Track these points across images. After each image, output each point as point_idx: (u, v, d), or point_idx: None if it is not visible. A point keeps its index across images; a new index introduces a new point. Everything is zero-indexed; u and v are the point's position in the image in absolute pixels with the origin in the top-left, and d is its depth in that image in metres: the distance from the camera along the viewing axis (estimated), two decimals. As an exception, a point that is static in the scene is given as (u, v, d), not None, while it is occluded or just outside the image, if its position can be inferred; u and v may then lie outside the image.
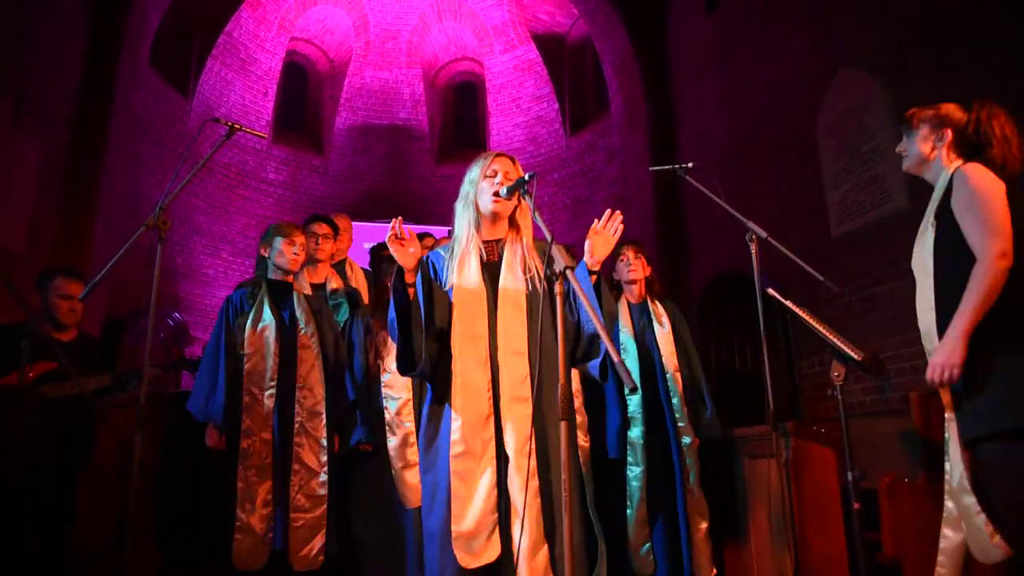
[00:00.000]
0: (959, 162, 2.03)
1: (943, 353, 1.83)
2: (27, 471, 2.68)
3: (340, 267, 3.76)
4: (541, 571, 1.77)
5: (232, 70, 8.58)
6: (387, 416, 3.02)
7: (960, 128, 2.05)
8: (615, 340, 3.20)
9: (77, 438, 2.90)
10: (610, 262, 3.36)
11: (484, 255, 2.06)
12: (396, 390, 3.04)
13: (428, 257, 2.11)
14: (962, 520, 1.97)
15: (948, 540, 2.04)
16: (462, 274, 2.01)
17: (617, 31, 7.70)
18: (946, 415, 2.01)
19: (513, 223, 2.12)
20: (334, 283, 3.49)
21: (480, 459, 1.86)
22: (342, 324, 3.32)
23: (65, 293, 3.06)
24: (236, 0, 8.39)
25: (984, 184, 1.89)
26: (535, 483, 1.84)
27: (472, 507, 1.82)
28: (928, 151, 2.09)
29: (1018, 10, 3.64)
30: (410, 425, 2.98)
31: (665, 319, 3.25)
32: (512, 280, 2.01)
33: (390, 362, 3.05)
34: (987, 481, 1.88)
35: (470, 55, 9.94)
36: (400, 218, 1.95)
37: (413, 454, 2.95)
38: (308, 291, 3.13)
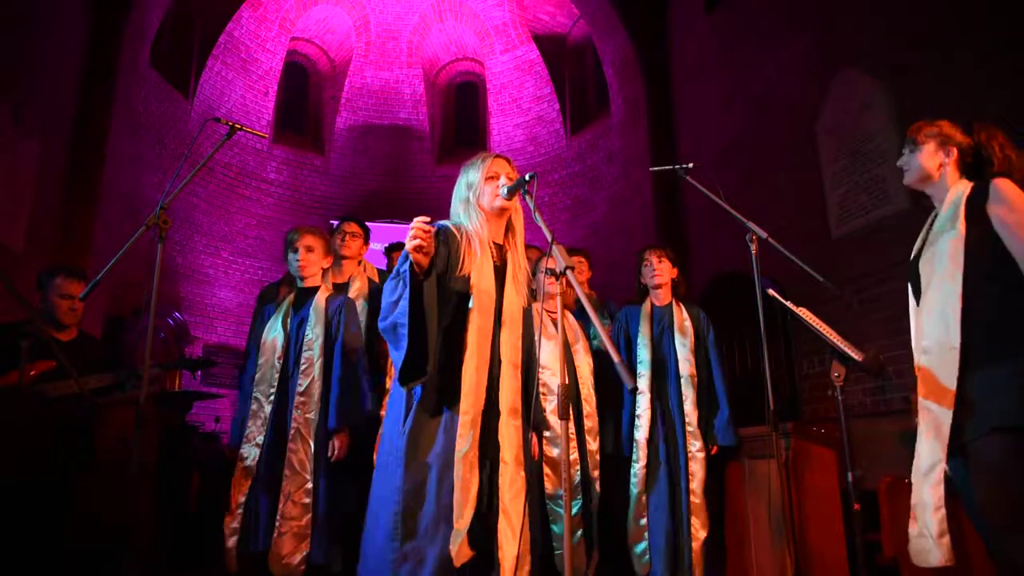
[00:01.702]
0: (964, 180, 2.08)
1: None
2: (27, 471, 2.68)
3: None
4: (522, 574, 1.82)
5: (233, 70, 8.58)
6: None
7: (963, 148, 2.11)
8: (633, 341, 3.26)
9: (77, 438, 2.90)
10: (635, 266, 3.41)
11: (494, 256, 2.07)
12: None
13: (439, 227, 2.00)
14: (914, 511, 1.96)
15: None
16: (480, 273, 1.99)
17: (617, 31, 7.70)
18: (920, 403, 2.00)
19: (509, 225, 2.13)
20: (359, 282, 3.48)
21: (477, 458, 1.87)
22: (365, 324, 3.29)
23: (66, 292, 3.06)
24: (237, 0, 8.40)
25: (1022, 198, 1.96)
26: (523, 496, 1.89)
27: (468, 506, 1.82)
28: (935, 167, 2.12)
29: (1019, 9, 3.64)
30: None
31: (688, 323, 3.25)
32: (514, 293, 2.05)
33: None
34: (984, 475, 1.86)
35: (470, 55, 9.95)
36: (425, 217, 1.78)
37: None
38: (329, 291, 3.07)
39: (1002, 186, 1.97)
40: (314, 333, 2.91)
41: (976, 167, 2.10)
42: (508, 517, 1.84)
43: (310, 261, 3.00)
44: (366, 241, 3.62)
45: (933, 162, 2.12)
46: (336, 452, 2.80)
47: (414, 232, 1.76)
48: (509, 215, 2.11)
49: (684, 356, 3.18)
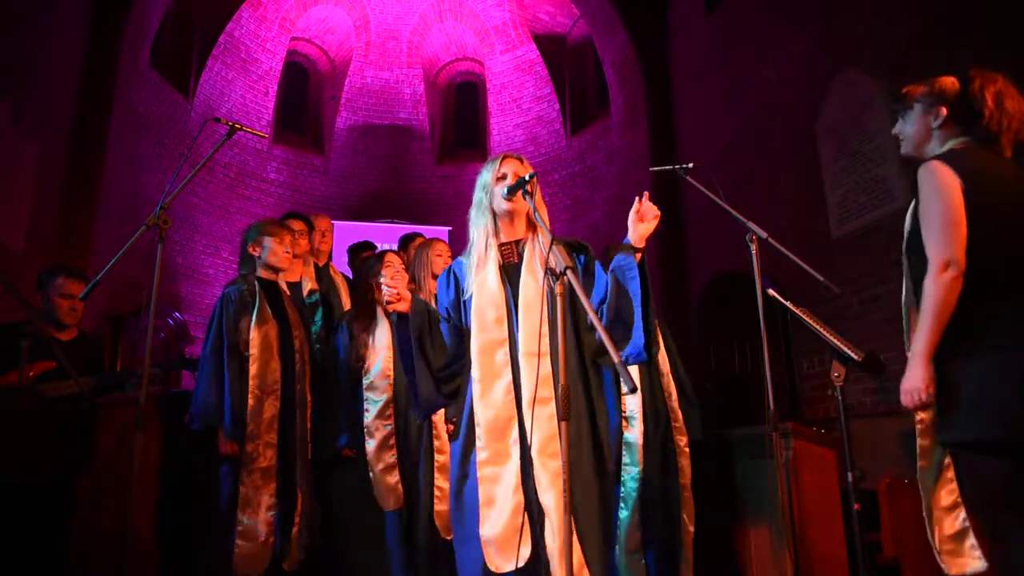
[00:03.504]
0: (954, 141, 1.94)
1: (908, 378, 1.80)
2: (27, 471, 2.68)
3: (325, 270, 3.76)
4: (575, 571, 1.77)
5: (233, 70, 8.58)
6: (366, 419, 3.01)
7: (955, 103, 1.93)
8: None
9: (77, 438, 2.90)
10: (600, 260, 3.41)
11: (502, 258, 2.07)
12: (376, 393, 3.03)
13: (451, 268, 2.16)
14: (929, 516, 1.92)
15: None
16: (480, 281, 2.02)
17: (617, 31, 7.70)
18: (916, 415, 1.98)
19: (530, 222, 2.12)
20: (309, 284, 3.50)
21: (505, 463, 1.88)
22: (317, 326, 3.35)
23: (67, 292, 3.06)
24: (237, 0, 8.39)
25: (934, 187, 1.82)
26: (560, 482, 1.85)
27: (499, 511, 1.84)
28: (924, 131, 1.98)
29: (1019, 9, 3.64)
30: (389, 428, 2.99)
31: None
32: (532, 281, 2.01)
33: (370, 364, 3.07)
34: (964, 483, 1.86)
35: (470, 55, 9.94)
36: (387, 281, 2.05)
37: (391, 456, 2.96)
38: (287, 291, 3.16)
39: (920, 176, 1.86)
40: (303, 332, 3.04)
41: (968, 120, 1.92)
42: (547, 512, 1.84)
43: (291, 256, 3.09)
44: (311, 234, 3.63)
45: (921, 127, 1.98)
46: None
47: (386, 293, 1.99)
48: (524, 216, 2.10)
49: (661, 354, 3.16)
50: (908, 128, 2.02)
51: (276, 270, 3.03)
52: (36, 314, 3.01)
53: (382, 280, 1.99)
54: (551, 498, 1.83)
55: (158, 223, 2.15)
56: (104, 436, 2.95)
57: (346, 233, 7.72)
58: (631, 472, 3.00)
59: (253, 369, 2.83)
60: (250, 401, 2.81)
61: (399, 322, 2.03)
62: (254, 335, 2.86)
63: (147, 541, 3.09)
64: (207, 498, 2.90)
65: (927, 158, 1.95)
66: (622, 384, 1.46)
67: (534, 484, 1.86)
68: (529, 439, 1.87)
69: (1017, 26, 3.64)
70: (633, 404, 3.06)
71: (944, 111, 1.94)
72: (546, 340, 1.96)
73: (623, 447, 3.04)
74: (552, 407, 1.90)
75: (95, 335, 5.22)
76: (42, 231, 5.28)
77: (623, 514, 2.98)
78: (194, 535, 3.23)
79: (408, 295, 1.98)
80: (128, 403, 2.95)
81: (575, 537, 1.82)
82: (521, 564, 1.80)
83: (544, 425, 1.89)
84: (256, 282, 3.00)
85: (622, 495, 3.00)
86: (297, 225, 3.47)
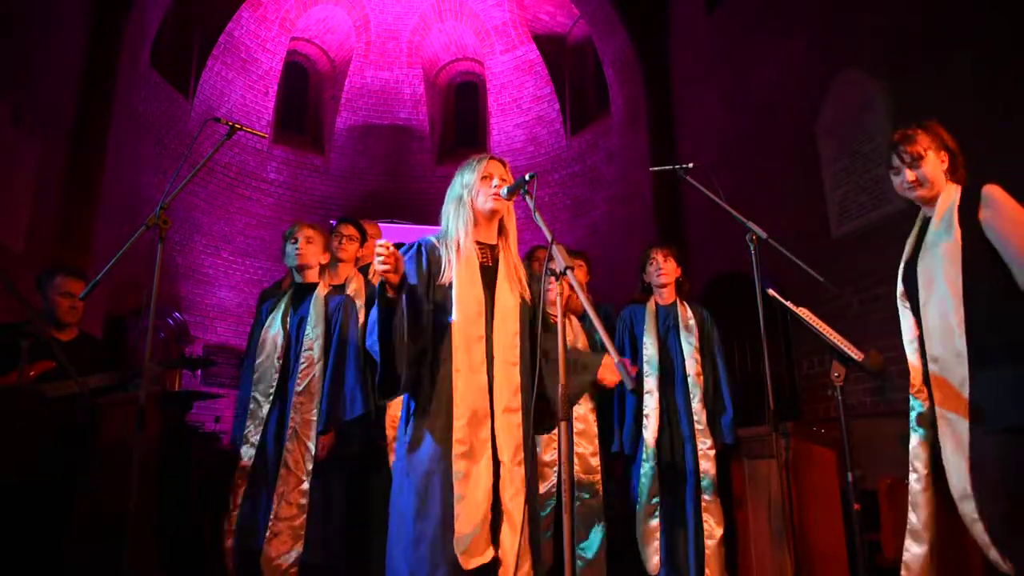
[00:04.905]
0: (951, 184, 2.09)
1: None
2: (27, 471, 2.68)
3: (364, 270, 3.77)
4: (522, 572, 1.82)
5: (233, 70, 8.58)
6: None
7: (952, 150, 2.13)
8: (638, 340, 3.28)
9: (77, 438, 2.90)
10: (639, 265, 3.41)
11: (480, 257, 2.07)
12: None
13: (420, 244, 2.09)
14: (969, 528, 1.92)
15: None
16: (463, 274, 2.00)
17: (617, 31, 7.70)
18: (938, 412, 1.98)
19: (502, 226, 2.14)
20: (354, 284, 3.48)
21: (478, 460, 1.87)
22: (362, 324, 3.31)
23: (66, 291, 3.06)
24: (237, 0, 8.40)
25: (1014, 201, 1.97)
26: (523, 494, 1.89)
27: (473, 508, 1.82)
28: (940, 175, 2.11)
29: (1018, 9, 3.64)
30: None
31: (692, 322, 3.27)
32: (508, 290, 2.04)
33: None
34: (990, 473, 1.87)
35: (471, 55, 9.94)
36: (386, 243, 1.79)
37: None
38: (325, 290, 3.06)
39: (993, 192, 1.99)
40: (314, 332, 2.89)
41: (951, 169, 2.12)
42: (509, 516, 1.85)
43: (309, 252, 2.99)
44: (363, 243, 3.60)
45: (938, 170, 2.11)
46: (318, 452, 2.78)
47: (377, 255, 1.77)
48: (501, 217, 2.11)
49: (690, 355, 3.19)
50: (927, 171, 2.11)
51: (296, 269, 3.03)
52: (36, 314, 3.01)
53: (378, 246, 1.78)
54: (516, 504, 1.86)
55: (158, 223, 2.14)
56: (104, 436, 2.95)
57: (346, 233, 7.71)
58: (644, 468, 3.08)
59: (256, 375, 2.89)
60: (251, 405, 2.86)
61: (381, 293, 1.89)
62: (260, 342, 2.92)
63: (147, 540, 3.09)
64: (206, 497, 2.91)
65: (928, 198, 2.12)
66: (625, 382, 1.46)
67: (499, 487, 1.87)
68: (499, 444, 1.89)
69: (1017, 26, 3.64)
70: (651, 403, 3.12)
71: (947, 156, 2.11)
72: (516, 351, 1.99)
73: (640, 443, 3.12)
74: (519, 417, 1.93)
75: (95, 335, 5.23)
76: (42, 231, 5.27)
77: (637, 508, 3.06)
78: (193, 534, 3.23)
79: (403, 267, 1.87)
80: (128, 403, 2.95)
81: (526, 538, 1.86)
82: (486, 562, 1.81)
83: (514, 433, 1.92)
84: (291, 288, 3.04)
85: (638, 490, 3.07)
86: (346, 230, 3.47)
